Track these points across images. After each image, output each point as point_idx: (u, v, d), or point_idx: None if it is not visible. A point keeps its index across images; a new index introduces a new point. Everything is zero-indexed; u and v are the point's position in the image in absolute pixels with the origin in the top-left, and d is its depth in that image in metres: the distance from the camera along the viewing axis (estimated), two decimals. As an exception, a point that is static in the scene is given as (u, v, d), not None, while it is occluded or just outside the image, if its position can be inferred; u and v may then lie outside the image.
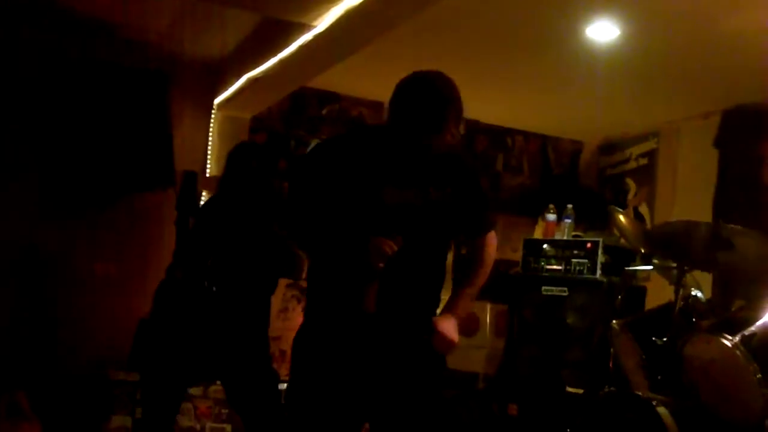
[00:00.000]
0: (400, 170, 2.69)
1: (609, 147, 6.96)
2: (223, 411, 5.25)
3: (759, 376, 3.26)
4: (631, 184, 6.63)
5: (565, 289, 5.53)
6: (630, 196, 6.59)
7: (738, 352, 3.31)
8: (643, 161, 6.52)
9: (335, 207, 2.70)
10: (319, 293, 2.86)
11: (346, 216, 2.70)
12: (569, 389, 5.29)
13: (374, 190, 2.69)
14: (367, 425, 2.88)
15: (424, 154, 2.68)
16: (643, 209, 6.39)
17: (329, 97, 6.30)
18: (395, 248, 2.64)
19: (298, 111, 6.25)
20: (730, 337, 3.36)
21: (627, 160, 6.71)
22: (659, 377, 3.80)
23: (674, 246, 3.85)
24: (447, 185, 2.76)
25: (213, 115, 6.04)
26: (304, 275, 3.71)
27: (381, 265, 2.65)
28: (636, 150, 6.62)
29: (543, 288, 5.65)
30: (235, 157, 4.24)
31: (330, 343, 2.76)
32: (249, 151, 4.34)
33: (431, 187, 2.72)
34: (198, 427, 5.21)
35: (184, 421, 5.09)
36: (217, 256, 4.07)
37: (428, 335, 2.73)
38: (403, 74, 2.67)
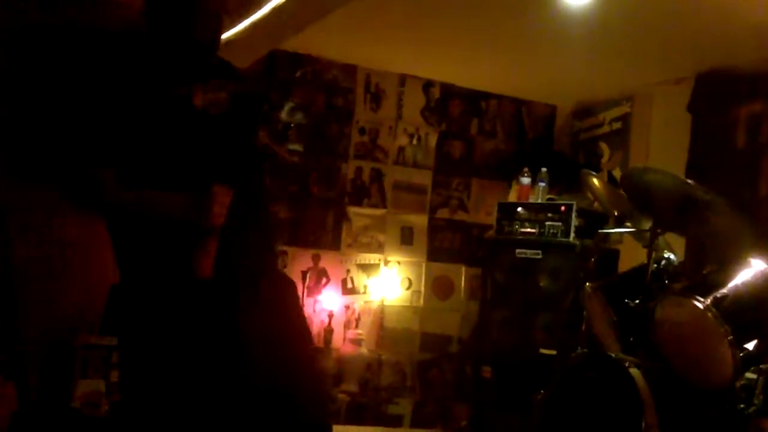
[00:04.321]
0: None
1: (583, 111, 6.96)
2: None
3: (730, 338, 3.28)
4: (604, 148, 6.64)
5: (539, 252, 5.56)
6: (604, 160, 6.61)
7: (709, 314, 3.33)
8: (617, 126, 6.53)
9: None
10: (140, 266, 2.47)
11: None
12: (542, 351, 5.33)
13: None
14: None
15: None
16: (617, 173, 6.40)
17: (302, 59, 6.23)
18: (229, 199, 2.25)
19: (270, 74, 6.19)
20: (701, 299, 3.38)
21: (601, 125, 6.71)
22: (631, 339, 3.83)
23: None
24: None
25: (185, 78, 5.96)
26: None
27: (222, 219, 2.27)
28: (609, 114, 6.62)
29: (517, 251, 5.67)
30: None
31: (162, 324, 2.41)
32: None
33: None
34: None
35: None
36: None
37: None
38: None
